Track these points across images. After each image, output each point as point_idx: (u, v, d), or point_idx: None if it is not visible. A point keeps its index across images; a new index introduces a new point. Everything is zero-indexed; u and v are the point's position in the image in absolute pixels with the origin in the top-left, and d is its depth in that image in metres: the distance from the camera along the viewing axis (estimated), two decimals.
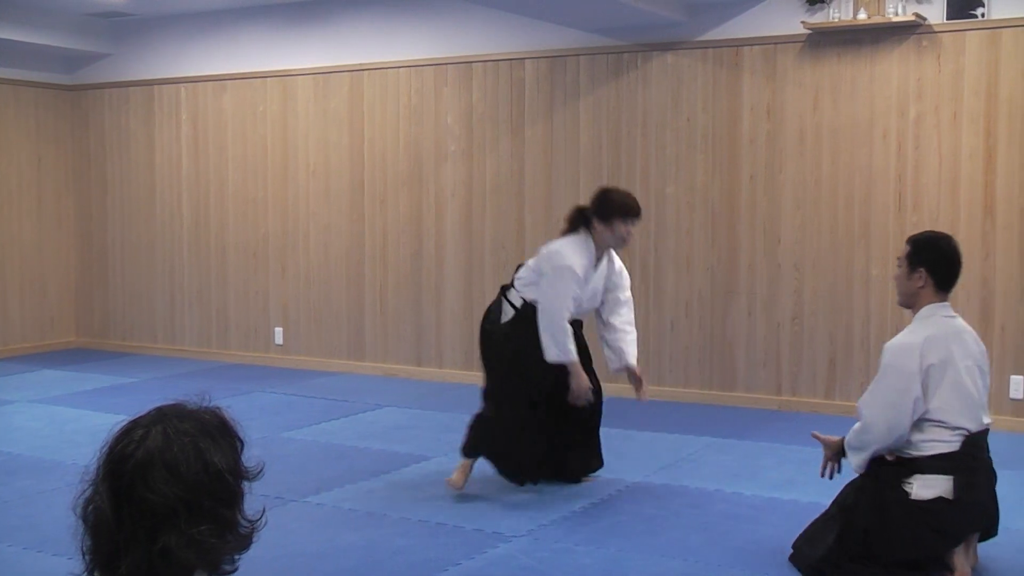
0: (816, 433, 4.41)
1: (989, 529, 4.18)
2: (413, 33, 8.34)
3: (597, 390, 5.31)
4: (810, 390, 7.13)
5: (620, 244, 5.16)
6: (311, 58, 8.74)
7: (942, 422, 3.95)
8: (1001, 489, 5.28)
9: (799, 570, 4.17)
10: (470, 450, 5.18)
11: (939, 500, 3.92)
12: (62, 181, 9.95)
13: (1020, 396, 6.57)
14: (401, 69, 8.40)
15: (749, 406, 7.24)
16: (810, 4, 6.95)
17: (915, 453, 3.99)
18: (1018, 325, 6.56)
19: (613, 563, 4.29)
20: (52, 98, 9.82)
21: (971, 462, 3.99)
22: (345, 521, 4.84)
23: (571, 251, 5.06)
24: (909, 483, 3.96)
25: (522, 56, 7.94)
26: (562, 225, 5.25)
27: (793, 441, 6.25)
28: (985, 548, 4.33)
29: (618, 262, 5.32)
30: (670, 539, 4.57)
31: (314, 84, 8.76)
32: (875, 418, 4.00)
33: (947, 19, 6.65)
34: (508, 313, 5.18)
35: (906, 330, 4.13)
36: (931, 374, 3.94)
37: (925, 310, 4.09)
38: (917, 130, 6.77)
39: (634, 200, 5.12)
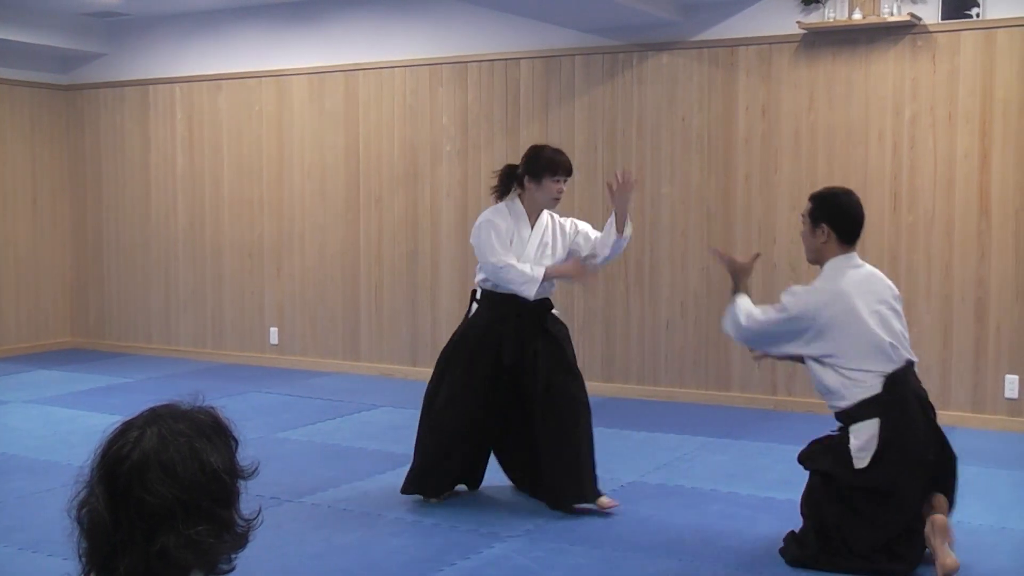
0: (734, 261, 4.61)
1: (946, 467, 4.21)
2: (408, 33, 8.34)
3: (581, 399, 4.99)
4: (805, 390, 7.12)
5: (552, 203, 4.98)
6: (306, 58, 8.74)
7: (856, 369, 4.12)
8: (997, 489, 5.32)
9: (786, 562, 4.25)
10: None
11: (878, 460, 4.04)
12: (57, 181, 9.93)
13: (1015, 396, 6.58)
14: (396, 69, 8.39)
15: (744, 406, 7.25)
16: (805, 4, 6.96)
17: (844, 404, 4.15)
18: (1013, 325, 6.57)
19: (608, 563, 4.29)
20: (47, 98, 9.81)
21: (895, 399, 4.09)
22: (341, 521, 4.84)
23: (490, 212, 5.00)
24: (850, 449, 4.10)
25: (517, 56, 7.94)
26: (494, 182, 5.14)
27: (788, 441, 6.24)
28: (983, 547, 4.34)
29: (568, 220, 5.14)
30: (665, 539, 4.57)
31: (309, 84, 8.75)
32: (751, 332, 4.34)
33: (942, 19, 6.65)
34: (473, 309, 5.13)
35: (814, 284, 4.28)
36: (830, 327, 4.13)
37: (831, 264, 4.26)
38: (912, 130, 6.78)
39: (563, 157, 4.99)
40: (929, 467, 4.11)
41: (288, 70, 8.83)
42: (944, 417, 6.61)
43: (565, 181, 4.99)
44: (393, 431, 6.62)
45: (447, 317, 8.30)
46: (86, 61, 9.79)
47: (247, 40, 8.99)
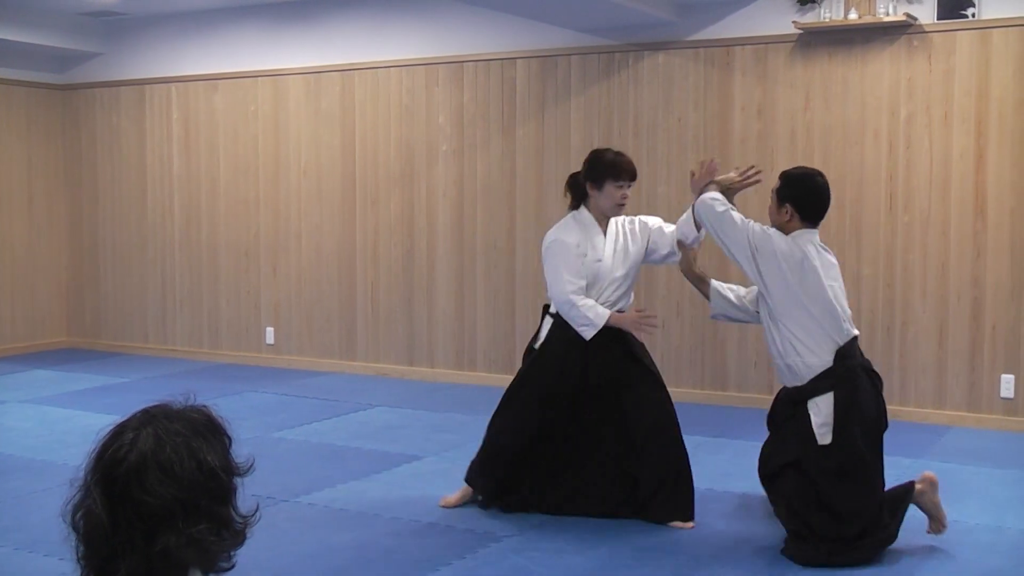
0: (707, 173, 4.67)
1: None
2: (404, 33, 8.34)
3: (662, 401, 4.84)
4: None
5: (616, 210, 4.76)
6: (302, 58, 8.73)
7: (812, 340, 4.23)
8: (994, 488, 5.32)
9: (794, 561, 4.24)
10: (470, 479, 5.03)
11: (838, 435, 4.14)
12: (53, 180, 9.93)
13: (1011, 395, 6.59)
14: (392, 69, 8.39)
15: (741, 406, 7.25)
16: (801, 4, 6.96)
17: (801, 382, 4.26)
18: (1009, 324, 6.58)
19: (604, 562, 4.29)
20: (44, 97, 9.80)
21: (846, 372, 4.21)
22: (336, 521, 4.84)
23: (557, 229, 4.80)
24: (812, 427, 4.19)
25: (513, 56, 7.94)
26: (567, 198, 4.93)
27: None
28: (980, 547, 4.35)
29: (637, 219, 4.92)
30: (661, 538, 4.57)
31: (305, 84, 8.75)
32: (723, 217, 4.39)
33: (938, 19, 6.66)
34: (547, 324, 4.88)
35: (785, 238, 4.35)
36: (782, 267, 4.24)
37: (794, 234, 4.35)
38: (908, 130, 6.79)
39: (625, 159, 4.75)
40: (881, 435, 4.29)
41: (284, 70, 8.83)
42: (940, 416, 6.67)
43: (629, 186, 4.76)
44: (389, 431, 6.62)
45: (443, 317, 8.30)
46: (82, 61, 9.78)
47: (243, 40, 8.99)
